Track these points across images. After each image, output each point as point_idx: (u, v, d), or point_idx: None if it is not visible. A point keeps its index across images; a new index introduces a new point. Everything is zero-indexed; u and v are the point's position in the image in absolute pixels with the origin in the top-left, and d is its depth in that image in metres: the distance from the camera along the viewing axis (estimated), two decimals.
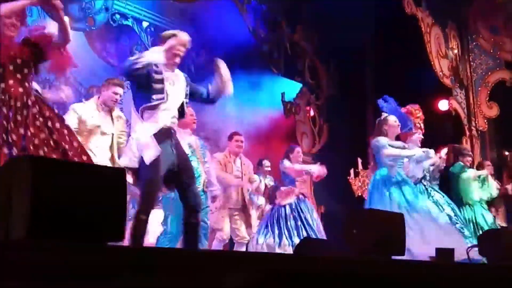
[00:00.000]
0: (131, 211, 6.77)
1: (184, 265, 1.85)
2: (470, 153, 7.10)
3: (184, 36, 3.89)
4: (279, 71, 9.45)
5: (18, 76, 3.28)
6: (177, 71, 3.91)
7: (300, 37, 9.82)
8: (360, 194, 7.99)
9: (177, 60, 3.84)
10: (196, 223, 3.74)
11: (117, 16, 7.42)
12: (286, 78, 9.64)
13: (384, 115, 5.77)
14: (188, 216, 3.72)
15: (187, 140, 5.00)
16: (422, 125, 6.05)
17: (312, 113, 9.97)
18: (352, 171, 7.23)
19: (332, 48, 9.62)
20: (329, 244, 3.95)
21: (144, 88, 3.67)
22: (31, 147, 3.10)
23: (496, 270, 3.41)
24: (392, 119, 5.65)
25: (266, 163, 7.45)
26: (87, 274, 1.59)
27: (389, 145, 5.48)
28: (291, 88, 9.83)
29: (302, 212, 6.16)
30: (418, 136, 5.92)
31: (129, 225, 3.54)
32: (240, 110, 7.99)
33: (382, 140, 5.51)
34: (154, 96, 3.65)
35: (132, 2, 7.61)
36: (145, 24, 7.84)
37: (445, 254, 4.36)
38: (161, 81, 3.72)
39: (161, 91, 3.69)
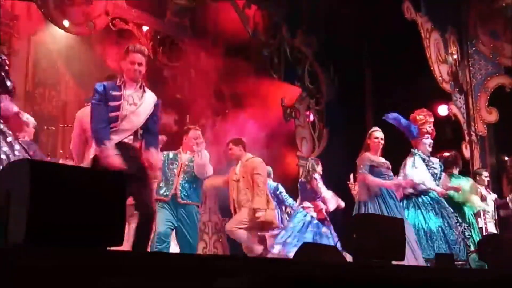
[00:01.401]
0: None
1: (184, 270, 1.84)
2: (458, 161, 7.08)
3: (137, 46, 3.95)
4: (279, 75, 9.46)
5: None
6: (147, 93, 3.90)
7: (300, 42, 9.83)
8: None
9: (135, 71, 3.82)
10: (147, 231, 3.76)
11: (118, 20, 7.42)
12: (286, 82, 9.64)
13: (372, 128, 5.83)
14: (140, 223, 3.69)
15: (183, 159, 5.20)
16: (430, 129, 6.01)
17: (311, 118, 9.97)
18: (351, 176, 7.20)
19: (332, 53, 9.63)
20: (329, 249, 3.94)
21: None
22: None
23: (496, 275, 3.40)
24: (375, 135, 5.68)
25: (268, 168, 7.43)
26: (86, 279, 1.58)
27: (372, 162, 5.54)
28: (291, 93, 9.83)
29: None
30: (426, 141, 5.93)
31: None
32: (240, 115, 7.98)
33: (365, 161, 5.57)
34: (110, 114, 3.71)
35: (132, 7, 7.61)
36: (145, 28, 7.84)
37: (445, 258, 4.36)
38: (119, 98, 3.75)
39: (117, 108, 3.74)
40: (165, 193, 5.08)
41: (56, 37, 6.89)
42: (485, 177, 7.45)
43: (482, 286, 3.06)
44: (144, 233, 3.69)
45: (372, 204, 5.46)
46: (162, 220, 4.97)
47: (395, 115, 6.00)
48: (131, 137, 3.78)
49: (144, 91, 3.89)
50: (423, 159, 5.83)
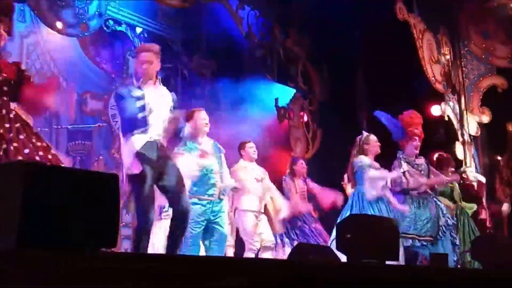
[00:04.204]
0: (124, 217, 6.76)
1: (180, 272, 1.84)
2: (450, 161, 7.11)
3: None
4: (273, 76, 9.47)
5: None
6: (161, 87, 3.93)
7: (293, 42, 9.84)
8: None
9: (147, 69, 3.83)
10: (181, 233, 3.80)
11: (111, 21, 7.41)
12: (280, 83, 9.65)
13: (365, 134, 5.85)
14: (175, 226, 3.76)
15: (204, 145, 4.85)
16: (417, 131, 6.03)
17: (305, 118, 9.98)
18: (345, 176, 7.22)
19: (325, 54, 9.64)
20: (323, 250, 3.95)
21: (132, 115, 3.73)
22: None
23: (489, 274, 3.41)
24: (373, 139, 5.72)
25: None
26: (80, 282, 1.57)
27: (371, 166, 5.60)
28: (285, 93, 9.84)
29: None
30: (413, 143, 5.94)
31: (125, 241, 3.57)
32: (234, 116, 7.98)
33: (366, 160, 5.61)
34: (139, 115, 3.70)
35: (125, 8, 7.60)
36: (138, 30, 7.84)
37: (439, 258, 4.37)
38: (142, 97, 3.75)
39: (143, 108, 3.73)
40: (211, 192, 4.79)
41: (49, 39, 6.87)
42: (471, 172, 7.52)
43: (476, 286, 3.07)
44: (179, 230, 3.76)
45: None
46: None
47: (384, 113, 6.04)
48: (159, 135, 3.79)
49: (161, 86, 3.94)
50: (408, 162, 5.86)
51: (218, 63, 8.46)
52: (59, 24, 6.62)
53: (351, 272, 2.59)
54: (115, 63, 7.55)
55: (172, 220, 3.82)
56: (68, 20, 6.69)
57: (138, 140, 3.67)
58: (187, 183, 4.36)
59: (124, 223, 6.83)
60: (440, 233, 5.56)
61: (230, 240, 5.73)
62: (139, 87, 3.79)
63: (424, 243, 5.52)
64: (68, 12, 6.68)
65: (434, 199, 5.88)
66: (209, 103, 7.83)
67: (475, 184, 7.59)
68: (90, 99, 7.19)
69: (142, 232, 3.64)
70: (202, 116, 4.85)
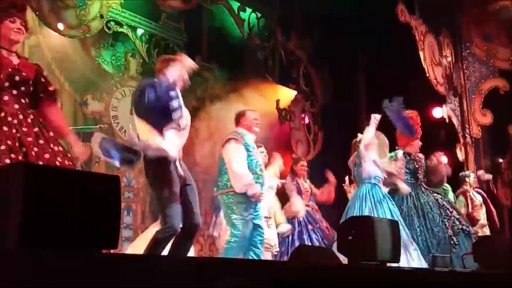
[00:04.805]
0: (125, 218, 6.75)
1: (178, 272, 1.84)
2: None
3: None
4: (274, 78, 9.47)
5: (14, 92, 3.14)
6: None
7: (295, 44, 9.85)
8: None
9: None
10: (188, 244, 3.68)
11: (112, 23, 7.41)
12: (281, 85, 9.65)
13: (360, 136, 5.87)
14: (183, 236, 3.60)
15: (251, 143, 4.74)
16: (419, 130, 6.09)
17: (307, 120, 9.98)
18: (346, 178, 7.22)
19: (326, 56, 9.65)
20: (324, 251, 3.94)
21: (163, 113, 3.54)
22: None
23: (490, 277, 3.41)
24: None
25: None
26: (80, 283, 1.57)
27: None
28: (286, 95, 9.85)
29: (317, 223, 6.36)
30: (418, 142, 5.99)
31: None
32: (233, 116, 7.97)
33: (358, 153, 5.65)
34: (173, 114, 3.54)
35: (126, 9, 7.61)
36: (139, 31, 7.84)
37: (441, 261, 4.37)
38: (177, 99, 3.60)
39: (179, 109, 3.60)
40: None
41: (50, 40, 6.87)
42: (474, 178, 7.50)
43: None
44: (184, 247, 3.61)
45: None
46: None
47: (396, 103, 5.96)
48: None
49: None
50: (409, 154, 5.90)
51: (219, 65, 8.46)
52: (60, 26, 6.62)
53: (352, 274, 2.59)
54: (116, 65, 7.55)
55: (178, 236, 3.59)
56: (70, 21, 6.69)
57: (172, 137, 3.55)
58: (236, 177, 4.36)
59: (124, 225, 6.84)
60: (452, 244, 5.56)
61: None
62: (174, 89, 3.60)
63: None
64: (69, 13, 6.69)
65: (434, 194, 5.88)
66: (210, 104, 7.85)
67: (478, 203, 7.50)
68: (91, 100, 7.19)
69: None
70: (254, 116, 4.82)
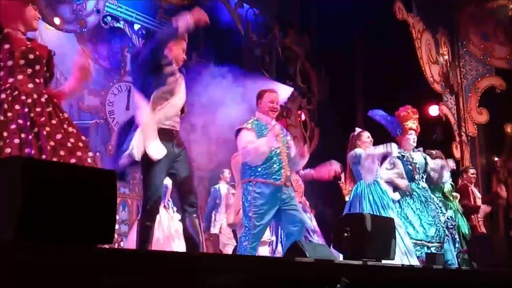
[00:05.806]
0: (121, 213, 6.74)
1: (174, 268, 1.83)
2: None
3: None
4: (271, 75, 9.46)
5: (29, 71, 3.13)
6: (179, 74, 3.81)
7: (292, 41, 9.84)
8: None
9: (184, 55, 3.85)
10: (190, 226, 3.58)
11: (109, 18, 7.39)
12: (278, 82, 9.65)
13: (358, 130, 5.84)
14: (183, 217, 3.59)
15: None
16: (414, 125, 6.01)
17: (303, 117, 9.98)
18: (342, 175, 7.22)
19: (323, 53, 9.65)
20: (319, 248, 3.94)
21: (155, 73, 3.54)
22: (48, 148, 2.89)
23: (486, 275, 3.42)
24: (365, 135, 5.69)
25: None
26: (75, 276, 1.57)
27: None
28: (283, 92, 9.84)
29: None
30: (409, 137, 5.93)
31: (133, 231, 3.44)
32: (230, 113, 7.96)
33: (358, 150, 5.59)
34: (165, 88, 3.52)
35: (123, 4, 7.59)
36: (136, 26, 7.82)
37: (435, 258, 4.37)
38: (173, 73, 3.63)
39: (173, 83, 3.59)
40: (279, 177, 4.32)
41: (47, 35, 6.84)
42: (472, 174, 7.51)
43: (472, 286, 3.08)
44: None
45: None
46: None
47: (380, 111, 6.04)
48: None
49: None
50: (403, 156, 5.85)
51: (216, 61, 8.44)
52: (57, 20, 6.60)
53: (346, 270, 2.59)
54: (113, 60, 7.54)
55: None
56: (66, 16, 6.68)
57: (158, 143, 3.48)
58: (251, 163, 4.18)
59: (120, 220, 6.83)
60: (445, 235, 5.55)
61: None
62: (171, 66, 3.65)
63: (435, 251, 5.47)
64: (66, 8, 6.67)
65: (432, 193, 5.90)
66: (207, 100, 7.82)
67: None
68: (87, 95, 7.18)
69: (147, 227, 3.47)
70: (270, 98, 4.47)
